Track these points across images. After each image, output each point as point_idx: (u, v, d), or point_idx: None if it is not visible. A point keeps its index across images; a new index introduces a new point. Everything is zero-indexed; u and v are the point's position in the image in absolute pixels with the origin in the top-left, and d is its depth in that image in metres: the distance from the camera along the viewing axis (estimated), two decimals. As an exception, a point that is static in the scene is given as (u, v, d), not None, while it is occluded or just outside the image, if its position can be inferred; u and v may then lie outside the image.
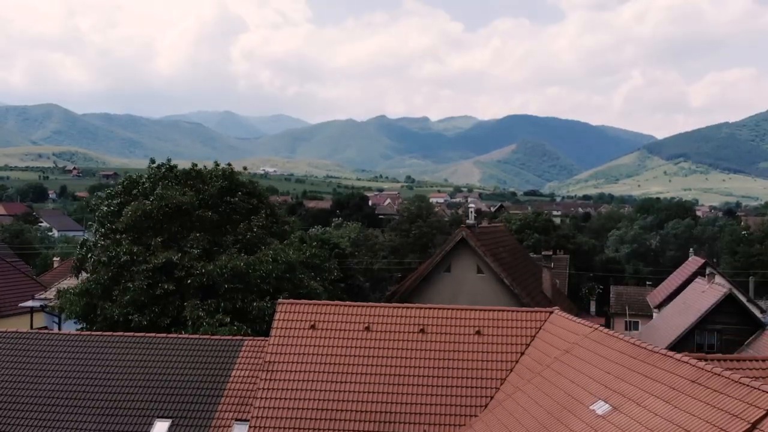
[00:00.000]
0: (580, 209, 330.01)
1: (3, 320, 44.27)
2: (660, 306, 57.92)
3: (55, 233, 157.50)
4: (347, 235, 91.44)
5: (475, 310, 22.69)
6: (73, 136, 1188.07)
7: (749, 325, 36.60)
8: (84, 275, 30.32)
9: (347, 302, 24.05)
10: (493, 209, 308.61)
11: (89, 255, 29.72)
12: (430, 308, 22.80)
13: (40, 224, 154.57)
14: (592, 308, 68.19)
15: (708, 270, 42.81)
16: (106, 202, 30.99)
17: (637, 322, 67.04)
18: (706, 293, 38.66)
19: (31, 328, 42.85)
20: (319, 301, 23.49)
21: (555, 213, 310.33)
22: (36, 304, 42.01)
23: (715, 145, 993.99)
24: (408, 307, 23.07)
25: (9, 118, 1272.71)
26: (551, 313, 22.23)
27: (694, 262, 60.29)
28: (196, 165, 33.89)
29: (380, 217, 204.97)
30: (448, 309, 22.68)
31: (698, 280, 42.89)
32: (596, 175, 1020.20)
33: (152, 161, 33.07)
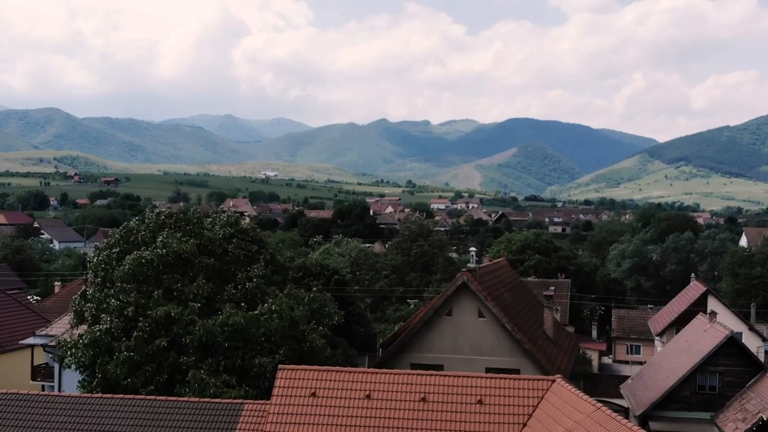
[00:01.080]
0: (581, 216, 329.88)
1: (3, 356, 44.30)
2: (662, 334, 57.82)
3: (56, 245, 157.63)
4: (348, 253, 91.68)
5: (477, 377, 22.63)
6: (75, 140, 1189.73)
7: (751, 366, 36.49)
8: (82, 327, 30.10)
9: (348, 368, 23.97)
10: (494, 215, 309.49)
11: (90, 306, 29.58)
12: (431, 375, 22.72)
13: (41, 236, 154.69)
14: (594, 333, 68.08)
15: (710, 309, 42.53)
16: (105, 253, 30.85)
17: (639, 346, 66.98)
18: (707, 333, 38.54)
19: (32, 365, 42.85)
20: (320, 367, 23.41)
21: (556, 220, 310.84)
22: (37, 341, 41.86)
23: (716, 148, 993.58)
24: (409, 374, 23.01)
25: (10, 122, 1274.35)
26: (553, 381, 22.15)
27: (695, 288, 60.13)
28: (196, 211, 33.76)
29: (381, 226, 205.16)
30: (450, 376, 22.60)
31: (700, 317, 42.74)
32: (597, 179, 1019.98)
33: (152, 210, 32.98)
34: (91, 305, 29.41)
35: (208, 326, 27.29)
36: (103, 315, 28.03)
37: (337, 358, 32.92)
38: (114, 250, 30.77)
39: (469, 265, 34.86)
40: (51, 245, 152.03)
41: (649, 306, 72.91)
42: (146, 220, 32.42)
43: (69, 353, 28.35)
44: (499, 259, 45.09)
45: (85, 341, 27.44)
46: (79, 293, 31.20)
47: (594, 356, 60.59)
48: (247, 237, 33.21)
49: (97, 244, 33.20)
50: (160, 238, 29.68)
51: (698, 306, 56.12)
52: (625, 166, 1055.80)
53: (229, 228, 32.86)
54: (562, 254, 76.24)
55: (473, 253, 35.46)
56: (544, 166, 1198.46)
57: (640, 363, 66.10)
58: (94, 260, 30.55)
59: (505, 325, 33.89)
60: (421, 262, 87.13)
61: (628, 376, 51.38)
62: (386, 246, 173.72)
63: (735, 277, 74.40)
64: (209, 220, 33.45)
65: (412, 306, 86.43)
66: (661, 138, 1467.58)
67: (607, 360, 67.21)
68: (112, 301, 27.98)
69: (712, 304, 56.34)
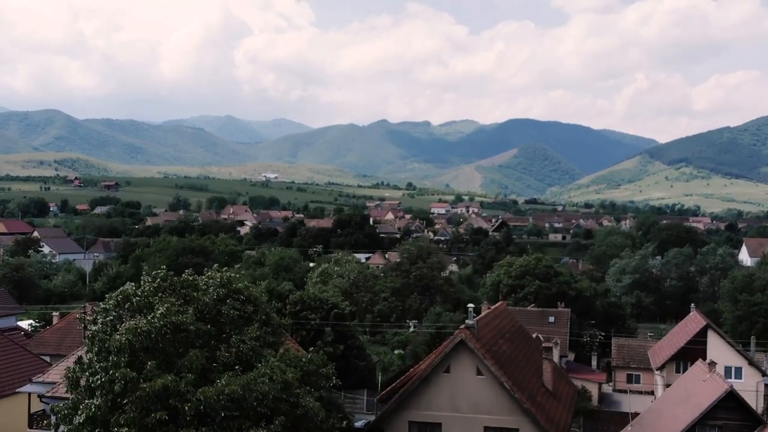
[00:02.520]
0: (581, 221, 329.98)
1: (1, 401, 44.12)
2: (661, 368, 57.63)
3: (57, 257, 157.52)
4: (347, 275, 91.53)
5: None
6: (75, 142, 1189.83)
7: (750, 421, 36.32)
8: (78, 393, 29.83)
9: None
10: (494, 220, 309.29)
11: (84, 374, 29.32)
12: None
13: (40, 249, 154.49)
14: (594, 363, 67.87)
15: (709, 348, 42.24)
16: (100, 319, 30.52)
17: (639, 375, 66.85)
18: (707, 384, 38.37)
19: (29, 412, 42.71)
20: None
21: (556, 225, 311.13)
22: (34, 389, 41.68)
23: (716, 149, 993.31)
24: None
25: (11, 123, 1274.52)
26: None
27: (695, 320, 59.86)
28: (192, 272, 33.45)
29: (381, 235, 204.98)
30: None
31: (699, 364, 42.53)
32: (597, 180, 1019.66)
33: (148, 272, 32.73)
34: (86, 375, 29.16)
35: (208, 395, 26.99)
36: (96, 391, 27.75)
37: (333, 420, 32.70)
38: (110, 317, 30.48)
39: (467, 321, 34.65)
40: (52, 260, 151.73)
41: (649, 334, 72.72)
42: (142, 283, 32.17)
43: (65, 421, 28.12)
44: (498, 305, 44.91)
45: (81, 420, 27.16)
46: (75, 360, 30.93)
47: (594, 389, 60.44)
48: (242, 296, 32.90)
49: (93, 308, 32.81)
50: (160, 310, 29.22)
51: (698, 341, 56.03)
52: (625, 168, 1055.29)
53: (223, 289, 32.54)
54: (562, 279, 76.12)
55: (471, 309, 35.26)
56: (545, 167, 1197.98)
57: (640, 392, 66.05)
58: (92, 329, 30.25)
59: (503, 383, 33.68)
60: (420, 285, 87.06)
61: (627, 414, 51.20)
62: (386, 256, 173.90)
63: (735, 303, 74.21)
64: (203, 278, 33.12)
65: (411, 329, 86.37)
66: (662, 138, 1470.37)
67: (607, 388, 67.08)
68: (102, 375, 27.70)
69: (712, 339, 56.19)
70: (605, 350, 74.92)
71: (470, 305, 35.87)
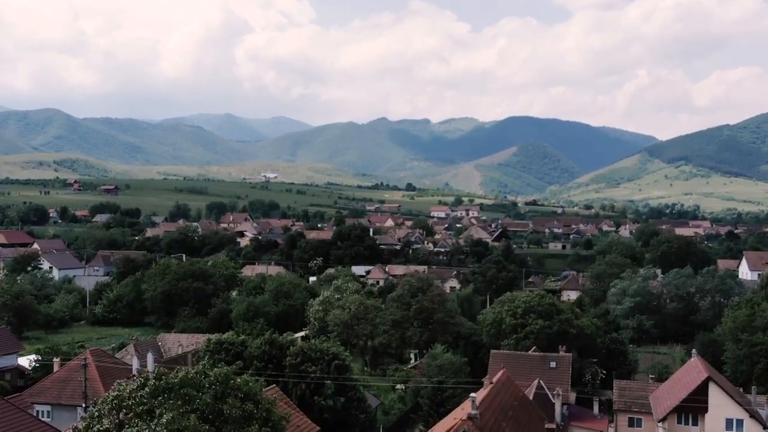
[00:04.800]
0: (581, 225, 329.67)
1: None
2: (663, 419, 57.47)
3: (56, 274, 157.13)
4: (348, 306, 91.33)
5: None
6: (74, 141, 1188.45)
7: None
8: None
9: None
10: (494, 225, 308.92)
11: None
12: None
13: (40, 267, 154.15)
14: (596, 408, 67.63)
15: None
16: (95, 427, 30.15)
17: (641, 419, 66.62)
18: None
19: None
20: None
21: (556, 230, 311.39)
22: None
23: (716, 147, 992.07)
24: None
25: (10, 123, 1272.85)
26: None
27: (696, 371, 59.67)
28: (189, 372, 33.23)
29: (381, 247, 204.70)
30: None
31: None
32: (597, 179, 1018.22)
33: (139, 372, 32.54)
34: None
35: None
36: None
37: None
38: (105, 426, 30.10)
39: (470, 412, 34.52)
40: (50, 275, 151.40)
41: (650, 376, 72.47)
42: (139, 382, 31.86)
43: None
44: (500, 374, 44.73)
45: None
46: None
47: (595, 438, 60.29)
48: (241, 393, 32.71)
49: (91, 410, 32.59)
50: (164, 418, 28.94)
51: (699, 396, 55.95)
52: (624, 166, 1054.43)
53: (222, 385, 32.34)
54: (563, 317, 75.85)
55: (473, 399, 35.10)
56: (544, 165, 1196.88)
57: (642, 436, 65.98)
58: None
59: (506, 476, 33.55)
60: (421, 318, 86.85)
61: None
62: (386, 269, 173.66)
63: (737, 342, 74.08)
64: (201, 375, 32.83)
65: (412, 363, 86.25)
66: (662, 135, 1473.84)
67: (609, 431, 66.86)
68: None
69: (713, 391, 56.14)
70: (606, 383, 74.87)
71: (473, 395, 35.68)
